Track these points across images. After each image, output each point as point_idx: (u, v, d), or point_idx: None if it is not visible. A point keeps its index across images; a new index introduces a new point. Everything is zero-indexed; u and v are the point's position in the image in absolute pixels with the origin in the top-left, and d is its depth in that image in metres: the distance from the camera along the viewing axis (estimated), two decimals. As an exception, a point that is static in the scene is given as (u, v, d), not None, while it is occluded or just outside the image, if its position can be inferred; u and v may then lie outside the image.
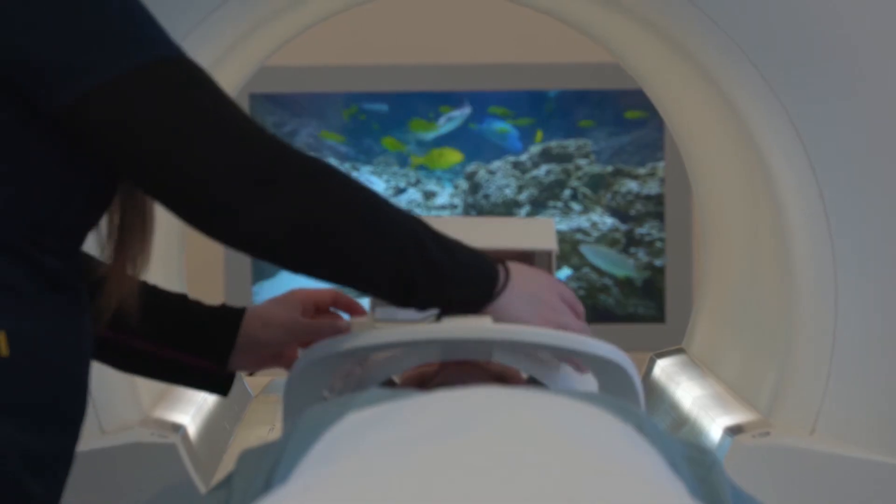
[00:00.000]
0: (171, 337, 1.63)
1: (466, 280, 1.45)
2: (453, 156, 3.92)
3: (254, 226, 1.34)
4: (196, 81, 1.33)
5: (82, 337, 1.41)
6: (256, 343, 1.65)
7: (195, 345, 1.64)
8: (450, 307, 1.46)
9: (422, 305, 1.46)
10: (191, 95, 1.32)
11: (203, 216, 1.34)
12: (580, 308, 1.55)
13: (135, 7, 1.32)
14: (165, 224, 2.41)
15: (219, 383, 1.68)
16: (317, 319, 1.67)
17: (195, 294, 1.99)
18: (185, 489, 1.96)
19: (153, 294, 1.63)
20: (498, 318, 1.46)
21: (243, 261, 3.87)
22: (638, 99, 3.43)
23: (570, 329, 1.53)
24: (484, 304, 1.47)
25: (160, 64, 1.31)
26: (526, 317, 1.49)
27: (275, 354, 1.69)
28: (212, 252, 3.77)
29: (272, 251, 1.38)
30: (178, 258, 2.57)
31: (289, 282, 3.76)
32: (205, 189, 1.32)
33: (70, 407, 1.40)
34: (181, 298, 1.66)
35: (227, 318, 1.65)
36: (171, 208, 1.34)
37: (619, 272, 3.90)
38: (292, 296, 1.68)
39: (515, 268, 1.49)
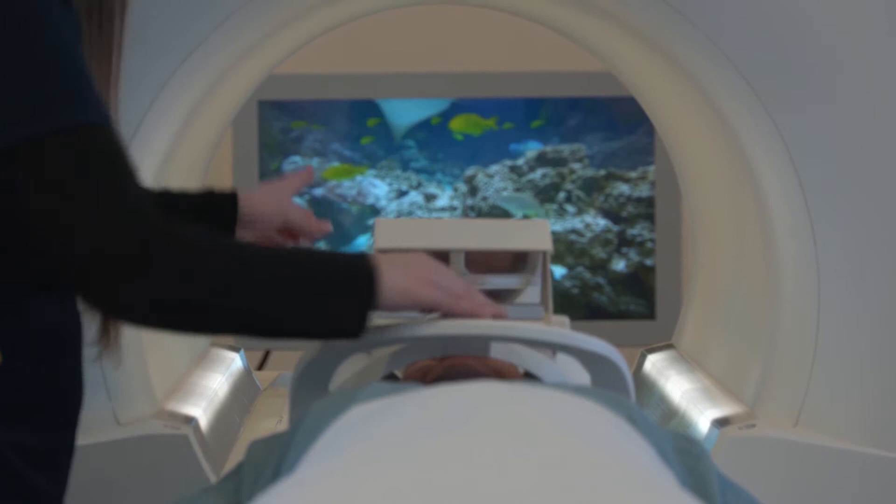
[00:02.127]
0: None
1: (338, 291, 1.37)
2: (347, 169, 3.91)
3: (126, 300, 1.29)
4: (102, 152, 1.28)
5: (73, 336, 1.39)
6: (250, 221, 1.73)
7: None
8: (339, 319, 1.38)
9: (309, 334, 1.41)
10: (93, 166, 1.27)
11: (80, 284, 1.29)
12: (459, 280, 1.48)
13: (65, 66, 1.27)
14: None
15: None
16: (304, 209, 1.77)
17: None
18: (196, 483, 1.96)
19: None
20: (385, 299, 1.38)
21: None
22: (630, 106, 3.42)
23: (451, 288, 1.44)
24: (370, 295, 1.38)
25: (75, 129, 1.26)
26: (406, 283, 1.40)
27: (262, 231, 1.77)
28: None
29: (145, 323, 1.33)
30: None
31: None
32: (83, 258, 1.27)
33: (62, 406, 1.38)
34: (170, 195, 1.71)
35: (224, 202, 1.73)
36: (50, 273, 1.30)
37: (531, 213, 3.91)
38: (274, 188, 1.79)
39: (379, 256, 1.41)
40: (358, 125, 3.90)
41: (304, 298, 1.34)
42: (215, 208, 1.73)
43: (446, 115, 3.90)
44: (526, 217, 3.92)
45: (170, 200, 1.72)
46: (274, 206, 1.76)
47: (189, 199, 1.75)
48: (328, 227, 1.79)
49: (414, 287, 1.40)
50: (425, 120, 3.92)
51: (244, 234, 1.74)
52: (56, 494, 1.40)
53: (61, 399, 1.38)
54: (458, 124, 3.91)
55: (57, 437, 1.38)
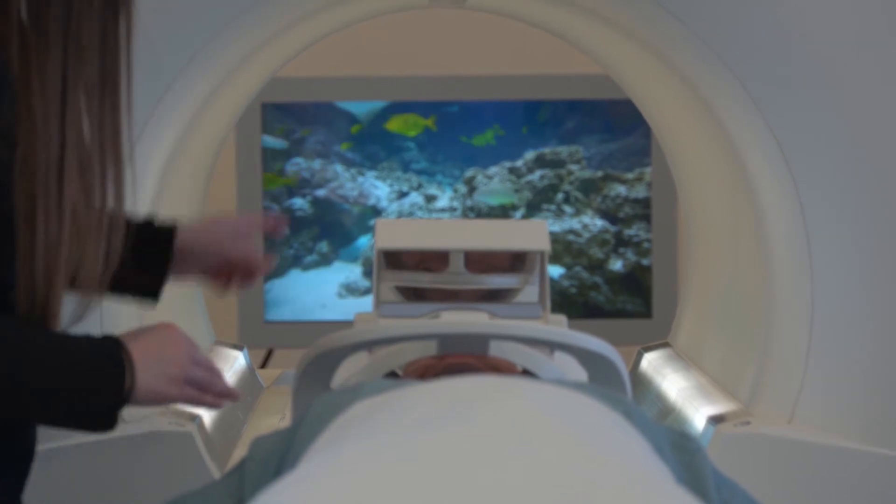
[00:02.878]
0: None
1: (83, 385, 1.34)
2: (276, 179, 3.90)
3: None
4: None
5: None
6: (187, 257, 1.67)
7: (133, 262, 1.59)
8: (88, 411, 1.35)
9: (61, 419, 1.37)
10: None
11: None
12: (206, 369, 1.45)
13: None
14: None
15: (151, 293, 1.68)
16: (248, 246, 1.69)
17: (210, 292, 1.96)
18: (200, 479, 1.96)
19: None
20: (135, 399, 1.37)
21: (255, 260, 3.88)
22: (627, 108, 3.42)
23: (199, 380, 1.42)
24: (120, 399, 1.36)
25: None
26: (156, 385, 1.38)
27: (200, 268, 1.71)
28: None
29: None
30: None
31: (298, 280, 3.76)
32: None
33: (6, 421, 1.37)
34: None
35: (161, 237, 1.65)
36: None
37: (505, 200, 3.91)
38: (216, 225, 1.71)
39: (136, 350, 1.37)
40: (343, 130, 3.90)
41: (56, 396, 1.31)
42: (152, 242, 1.66)
43: (384, 115, 3.89)
44: (503, 206, 3.93)
45: None
46: (214, 244, 1.69)
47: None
48: (272, 262, 1.75)
49: (164, 389, 1.39)
50: (366, 119, 3.91)
51: (182, 269, 1.68)
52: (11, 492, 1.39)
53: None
54: (395, 125, 3.90)
55: (4, 447, 1.38)
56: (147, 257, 1.64)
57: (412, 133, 3.90)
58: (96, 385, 1.34)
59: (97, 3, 1.34)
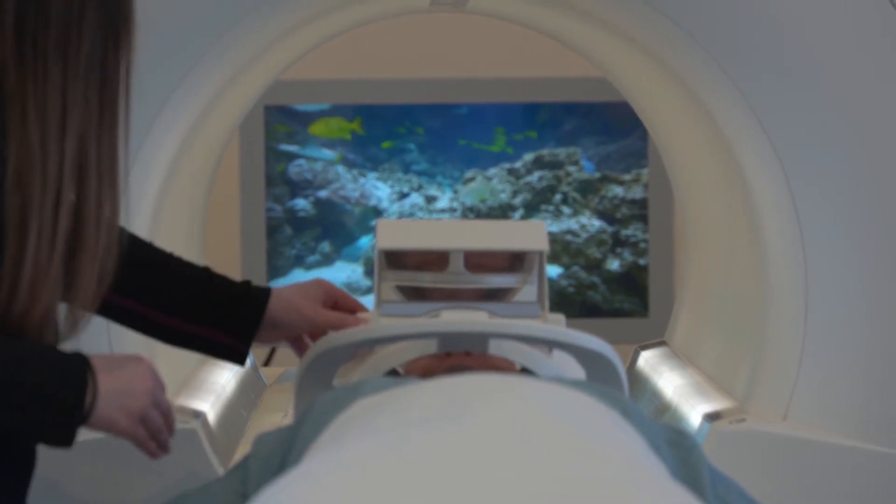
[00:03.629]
0: (196, 312, 1.63)
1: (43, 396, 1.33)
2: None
3: None
4: None
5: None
6: (276, 325, 1.67)
7: (220, 321, 1.64)
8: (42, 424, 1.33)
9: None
10: None
11: None
12: (163, 413, 1.47)
13: None
14: (186, 223, 2.42)
15: (237, 355, 1.68)
16: (335, 313, 1.68)
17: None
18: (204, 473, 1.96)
19: (178, 267, 1.64)
20: (91, 423, 1.36)
21: (259, 260, 3.88)
22: (624, 110, 3.43)
23: (153, 423, 1.43)
24: (80, 419, 1.35)
25: None
26: (114, 415, 1.38)
27: (289, 336, 1.70)
28: (228, 251, 3.77)
29: None
30: (199, 258, 2.57)
31: (301, 280, 3.76)
32: None
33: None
34: (205, 273, 1.66)
35: (254, 300, 1.65)
36: None
37: (484, 196, 3.92)
38: (317, 286, 1.70)
39: (101, 367, 1.37)
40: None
41: (11, 394, 1.31)
42: (243, 305, 1.66)
43: (310, 119, 3.89)
44: (483, 201, 3.93)
45: (205, 279, 1.67)
46: (298, 315, 1.67)
47: (224, 287, 1.67)
48: (364, 319, 1.70)
49: (120, 419, 1.38)
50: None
51: (269, 336, 1.68)
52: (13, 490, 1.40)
53: None
54: (318, 129, 3.89)
55: (10, 445, 1.38)
56: (235, 320, 1.65)
57: (336, 137, 3.90)
58: (55, 393, 1.32)
59: (96, 26, 1.34)
